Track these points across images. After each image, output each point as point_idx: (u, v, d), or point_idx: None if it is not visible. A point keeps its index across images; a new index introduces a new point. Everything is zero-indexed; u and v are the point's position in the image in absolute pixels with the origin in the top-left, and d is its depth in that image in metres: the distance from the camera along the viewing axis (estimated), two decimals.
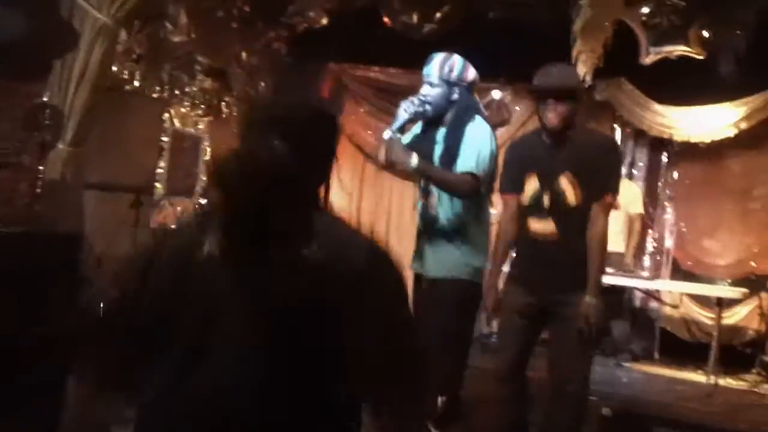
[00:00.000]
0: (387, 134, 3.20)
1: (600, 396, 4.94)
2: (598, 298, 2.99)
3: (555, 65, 3.13)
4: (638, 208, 6.42)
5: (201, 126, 6.27)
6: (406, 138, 3.35)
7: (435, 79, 3.24)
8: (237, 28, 6.06)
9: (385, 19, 6.37)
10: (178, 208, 6.12)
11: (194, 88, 6.07)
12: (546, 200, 3.09)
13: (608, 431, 2.78)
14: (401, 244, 5.54)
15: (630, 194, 6.44)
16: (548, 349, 3.21)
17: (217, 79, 6.16)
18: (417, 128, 3.45)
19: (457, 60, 3.28)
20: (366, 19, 6.35)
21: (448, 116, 3.28)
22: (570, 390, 3.00)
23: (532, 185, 3.15)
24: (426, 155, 3.23)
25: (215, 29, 5.93)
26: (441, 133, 3.27)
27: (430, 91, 3.24)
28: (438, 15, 6.37)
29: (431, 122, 3.32)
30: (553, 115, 3.04)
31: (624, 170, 6.61)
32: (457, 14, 6.40)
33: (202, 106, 6.17)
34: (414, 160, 3.13)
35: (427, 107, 3.24)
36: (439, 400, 3.19)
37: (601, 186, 3.08)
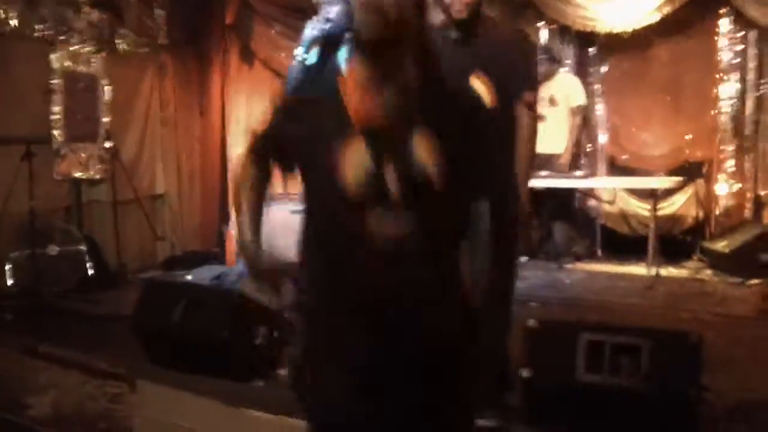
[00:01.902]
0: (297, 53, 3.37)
1: (540, 301, 4.92)
2: (526, 205, 2.89)
3: None
4: (579, 99, 6.26)
5: (95, 63, 5.77)
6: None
7: None
8: None
9: None
10: (82, 155, 5.69)
11: (81, 23, 5.54)
12: None
13: (534, 342, 2.61)
14: None
15: (568, 86, 6.26)
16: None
17: (106, 11, 5.65)
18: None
19: None
20: None
21: (348, 35, 3.36)
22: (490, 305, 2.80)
23: None
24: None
25: None
26: (342, 53, 3.29)
27: (331, 9, 3.50)
28: None
29: (332, 44, 3.37)
30: (458, 3, 2.81)
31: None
32: None
33: (93, 42, 5.66)
34: None
35: (330, 24, 3.43)
36: None
37: (517, 83, 2.85)
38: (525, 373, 2.60)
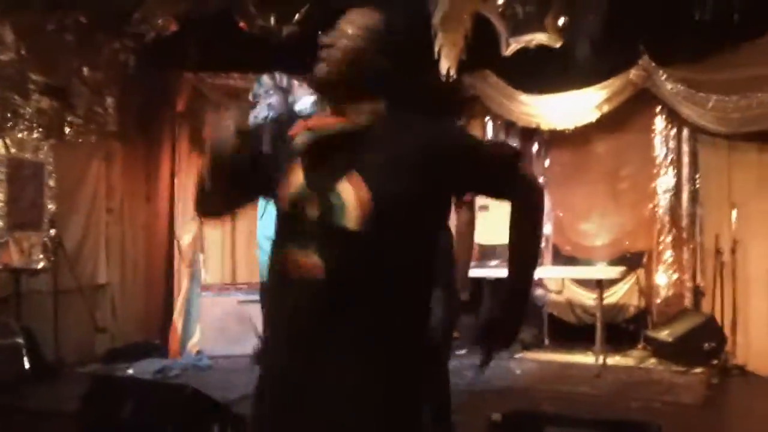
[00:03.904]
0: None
1: (494, 392, 4.90)
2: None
3: None
4: None
5: (42, 151, 5.67)
6: None
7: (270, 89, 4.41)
8: (74, 40, 5.54)
9: (241, 24, 6.01)
10: (24, 244, 5.50)
11: (29, 110, 5.47)
12: None
13: None
14: None
15: None
16: None
17: (55, 98, 5.60)
18: None
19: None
20: (220, 25, 5.95)
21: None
22: None
23: None
24: None
25: (48, 44, 5.39)
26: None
27: (269, 99, 4.31)
28: (297, 16, 6.07)
29: (278, 129, 3.93)
30: None
31: None
32: (317, 13, 6.13)
33: (41, 129, 5.58)
34: None
35: (272, 111, 4.19)
36: None
37: None
38: None
